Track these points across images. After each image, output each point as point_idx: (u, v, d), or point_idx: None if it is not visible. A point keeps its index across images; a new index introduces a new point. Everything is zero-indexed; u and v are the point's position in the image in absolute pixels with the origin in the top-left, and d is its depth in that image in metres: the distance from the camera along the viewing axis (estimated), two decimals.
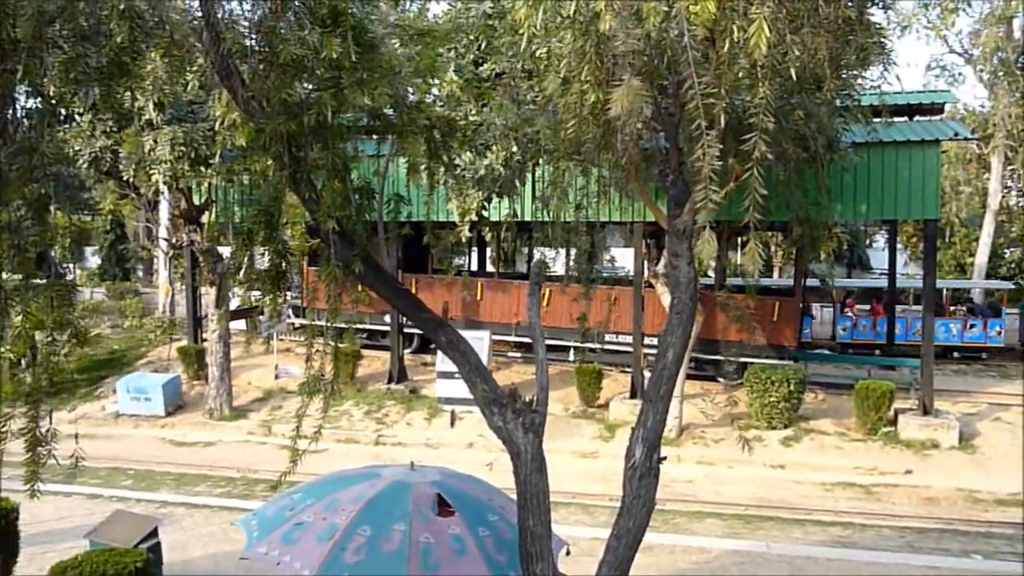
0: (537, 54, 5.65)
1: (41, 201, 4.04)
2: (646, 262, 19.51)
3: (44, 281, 4.13)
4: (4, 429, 4.05)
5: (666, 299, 17.72)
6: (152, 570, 9.06)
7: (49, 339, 4.10)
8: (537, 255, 29.80)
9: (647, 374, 19.31)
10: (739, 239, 26.78)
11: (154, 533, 10.27)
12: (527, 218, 16.30)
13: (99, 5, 4.10)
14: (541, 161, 9.10)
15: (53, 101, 4.16)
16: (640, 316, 18.83)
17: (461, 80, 11.95)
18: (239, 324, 23.51)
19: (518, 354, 22.94)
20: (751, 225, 3.84)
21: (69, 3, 4.06)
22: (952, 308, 26.11)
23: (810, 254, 20.38)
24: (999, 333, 24.72)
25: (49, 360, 4.14)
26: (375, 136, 5.76)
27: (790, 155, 8.68)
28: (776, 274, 38.24)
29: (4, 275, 4.24)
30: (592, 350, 19.11)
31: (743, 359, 18.84)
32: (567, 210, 7.01)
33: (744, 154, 3.94)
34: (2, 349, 15.95)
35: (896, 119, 16.49)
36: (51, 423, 4.11)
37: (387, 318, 21.05)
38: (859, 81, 7.44)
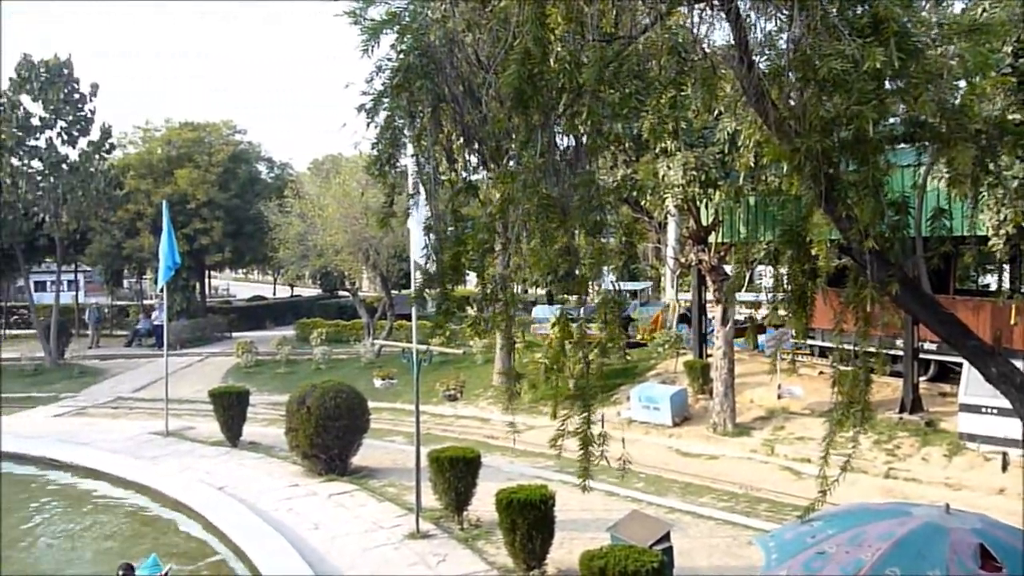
0: None
1: (597, 228, 4.53)
2: None
3: (601, 298, 4.62)
4: (562, 428, 4.61)
5: None
6: (666, 572, 9.55)
7: (600, 350, 4.57)
8: None
9: None
10: None
11: (666, 537, 10.82)
12: None
13: (648, 45, 4.47)
14: None
15: (607, 138, 4.64)
16: None
17: (998, 76, 10.49)
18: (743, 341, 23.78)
19: None
20: None
21: (623, 47, 4.49)
22: None
23: None
24: None
25: (601, 368, 4.61)
26: (913, 145, 5.33)
27: None
28: None
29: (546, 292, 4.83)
30: None
31: None
32: None
33: None
34: (541, 356, 18.24)
35: None
36: (602, 426, 4.57)
37: (899, 341, 19.40)
38: None
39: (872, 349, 5.44)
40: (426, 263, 5.15)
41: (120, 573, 10.05)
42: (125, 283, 53.15)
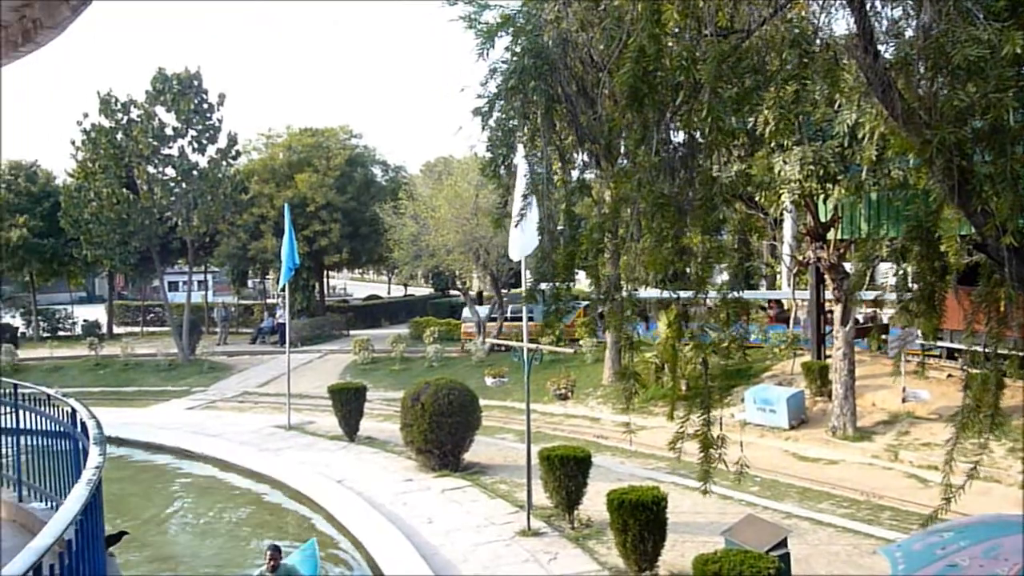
0: None
1: (715, 226, 4.45)
2: None
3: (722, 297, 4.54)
4: (681, 430, 4.55)
5: None
6: None
7: (722, 349, 4.49)
8: None
9: None
10: None
11: (783, 543, 10.50)
12: None
13: (766, 38, 4.36)
14: None
15: (724, 134, 4.55)
16: None
17: None
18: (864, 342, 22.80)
19: None
20: None
21: (740, 41, 4.40)
22: None
23: None
24: None
25: (725, 368, 4.53)
26: None
27: None
28: None
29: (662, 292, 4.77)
30: None
31: None
32: None
33: None
34: (650, 355, 17.99)
35: None
36: (720, 428, 4.48)
37: None
38: None
39: (1006, 351, 5.14)
40: (538, 263, 5.19)
41: (268, 553, 10.16)
42: (250, 283, 55.72)
